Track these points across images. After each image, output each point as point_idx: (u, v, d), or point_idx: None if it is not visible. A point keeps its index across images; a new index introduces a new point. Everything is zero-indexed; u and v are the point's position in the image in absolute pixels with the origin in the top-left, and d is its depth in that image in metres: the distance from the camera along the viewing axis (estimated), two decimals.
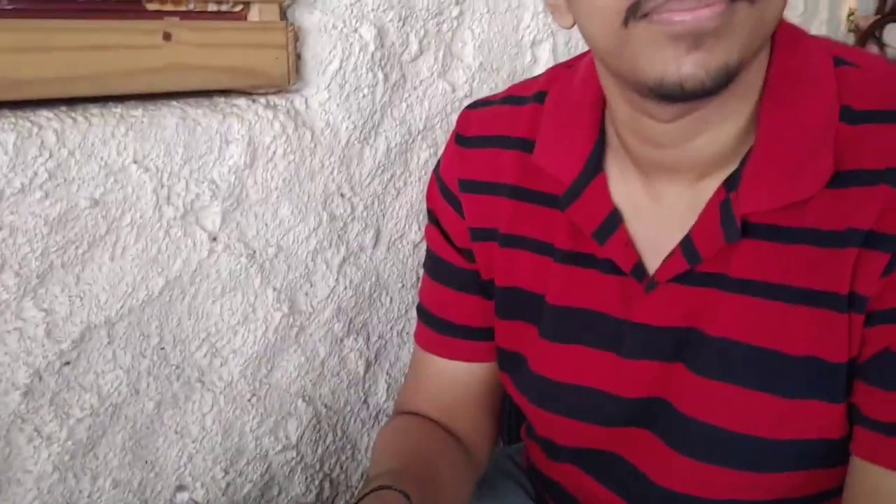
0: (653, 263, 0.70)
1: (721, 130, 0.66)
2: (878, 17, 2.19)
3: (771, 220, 0.65)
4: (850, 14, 2.26)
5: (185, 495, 0.99)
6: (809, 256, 0.64)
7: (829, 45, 0.69)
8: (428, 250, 0.89)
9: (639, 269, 0.71)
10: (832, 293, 0.63)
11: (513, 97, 0.83)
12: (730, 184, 0.66)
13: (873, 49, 2.16)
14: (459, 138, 0.84)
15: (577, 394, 0.75)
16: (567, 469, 0.84)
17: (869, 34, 2.18)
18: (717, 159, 0.67)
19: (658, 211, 0.70)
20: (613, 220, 0.71)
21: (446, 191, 0.84)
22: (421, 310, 0.90)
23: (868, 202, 0.62)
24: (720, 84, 0.58)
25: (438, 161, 0.87)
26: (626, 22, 0.57)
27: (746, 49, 0.58)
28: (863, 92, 0.65)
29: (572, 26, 0.66)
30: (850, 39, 2.23)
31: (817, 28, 2.17)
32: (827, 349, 0.64)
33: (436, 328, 0.87)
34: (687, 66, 0.56)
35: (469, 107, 0.86)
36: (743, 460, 0.69)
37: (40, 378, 0.93)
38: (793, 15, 2.05)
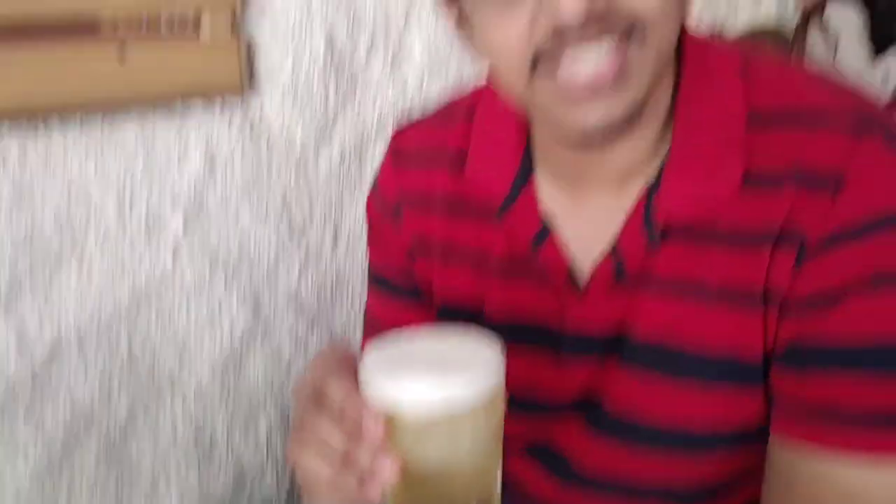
0: (584, 271, 0.75)
1: (637, 137, 0.70)
2: None
3: (691, 224, 0.70)
4: None
5: None
6: (727, 258, 0.69)
7: (736, 51, 0.74)
8: (369, 268, 0.92)
9: (571, 277, 0.75)
10: (748, 292, 0.68)
11: (442, 114, 0.86)
12: (650, 190, 0.71)
13: (815, 33, 2.22)
14: (394, 158, 0.87)
15: (516, 396, 0.80)
16: (510, 460, 0.88)
17: (811, 14, 2.23)
18: (636, 165, 0.71)
19: (586, 219, 0.75)
20: (544, 230, 0.76)
21: (385, 210, 0.87)
22: (367, 319, 0.93)
23: (777, 202, 0.67)
24: (632, 117, 0.64)
25: (375, 182, 0.89)
26: (531, 75, 0.62)
27: (651, 80, 0.64)
28: (768, 94, 0.70)
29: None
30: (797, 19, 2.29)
31: (766, 7, 2.23)
32: (744, 348, 0.69)
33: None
34: (597, 115, 0.62)
35: (400, 126, 0.90)
36: (666, 450, 0.74)
37: (14, 391, 0.96)
38: None
